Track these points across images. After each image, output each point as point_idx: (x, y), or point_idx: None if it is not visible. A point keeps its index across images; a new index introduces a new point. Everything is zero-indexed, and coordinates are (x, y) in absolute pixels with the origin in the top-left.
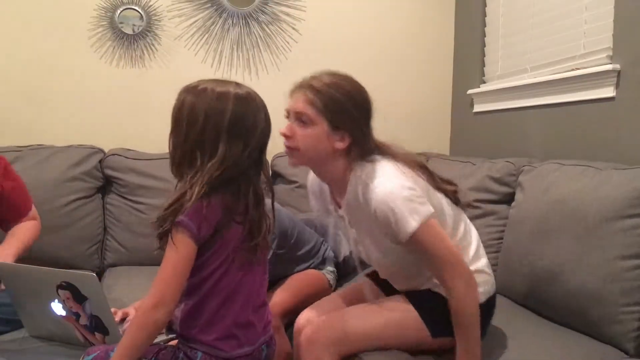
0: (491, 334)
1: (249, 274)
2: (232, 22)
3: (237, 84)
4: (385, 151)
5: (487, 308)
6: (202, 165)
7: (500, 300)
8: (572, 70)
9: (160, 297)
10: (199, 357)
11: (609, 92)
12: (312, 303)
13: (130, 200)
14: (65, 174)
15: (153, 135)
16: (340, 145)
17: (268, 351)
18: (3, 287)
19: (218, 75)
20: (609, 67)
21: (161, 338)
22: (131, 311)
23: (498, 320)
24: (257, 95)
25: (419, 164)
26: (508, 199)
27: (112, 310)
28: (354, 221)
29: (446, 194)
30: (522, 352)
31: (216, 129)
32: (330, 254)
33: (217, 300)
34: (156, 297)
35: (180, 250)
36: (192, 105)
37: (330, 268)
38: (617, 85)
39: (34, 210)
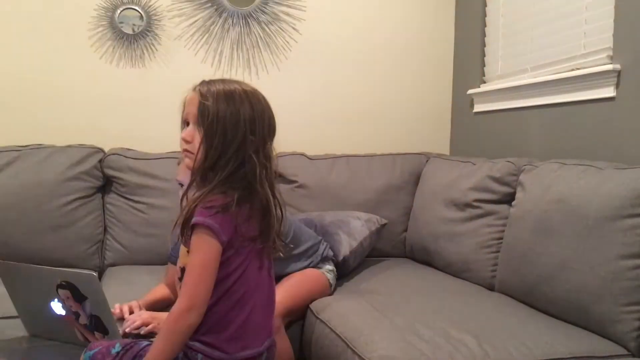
0: (493, 325)
1: (259, 277)
2: (232, 22)
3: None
4: None
5: None
6: (238, 169)
7: (501, 298)
8: (572, 70)
9: (191, 301)
10: (199, 359)
11: (609, 92)
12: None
13: (130, 199)
14: (65, 173)
15: (153, 135)
16: None
17: (268, 354)
18: None
19: (218, 75)
20: (609, 67)
21: None
22: (134, 305)
23: (501, 314)
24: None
25: None
26: (508, 199)
27: (116, 305)
28: None
29: None
30: (526, 346)
31: (260, 134)
32: (329, 253)
33: (230, 303)
34: (188, 301)
35: (206, 252)
36: (233, 112)
37: (329, 267)
38: (617, 85)
39: None
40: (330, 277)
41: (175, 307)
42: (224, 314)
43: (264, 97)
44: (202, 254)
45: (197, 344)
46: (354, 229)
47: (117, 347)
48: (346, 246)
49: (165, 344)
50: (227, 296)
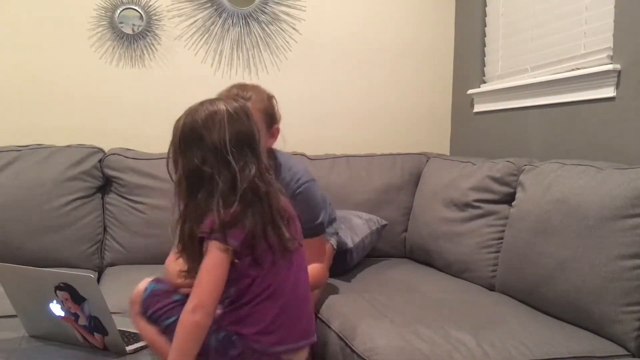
0: (492, 324)
1: (288, 273)
2: (232, 22)
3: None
4: None
5: None
6: (227, 184)
7: (501, 298)
8: (572, 70)
9: (197, 301)
10: (234, 338)
11: (609, 92)
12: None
13: (130, 200)
14: (64, 173)
15: (153, 135)
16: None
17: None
18: None
19: (218, 76)
20: (609, 67)
21: None
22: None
23: (500, 314)
24: (243, 103)
25: None
26: (508, 199)
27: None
28: None
29: None
30: (525, 346)
31: (210, 142)
32: (333, 213)
33: (258, 299)
34: (194, 300)
35: (214, 257)
36: (177, 126)
37: (331, 230)
38: (617, 85)
39: None
40: (333, 241)
41: (185, 307)
42: (254, 310)
43: (247, 108)
44: (209, 258)
45: (231, 327)
46: (356, 226)
47: (178, 297)
48: (349, 239)
49: (177, 342)
50: (253, 291)
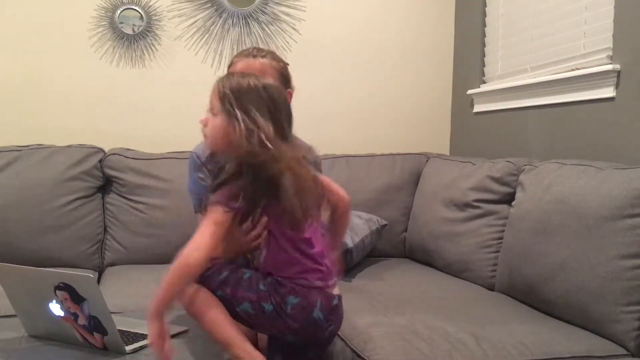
0: (492, 324)
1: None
2: (232, 22)
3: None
4: None
5: None
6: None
7: (501, 298)
8: (572, 70)
9: (194, 243)
10: (280, 280)
11: (609, 92)
12: None
13: (130, 199)
14: (65, 173)
15: (153, 135)
16: None
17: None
18: None
19: (218, 76)
20: (609, 67)
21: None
22: None
23: (500, 314)
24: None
25: None
26: (508, 199)
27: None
28: None
29: None
30: (525, 346)
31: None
32: None
33: (282, 250)
34: (191, 243)
35: (213, 214)
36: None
37: None
38: (617, 85)
39: None
40: None
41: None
42: (287, 256)
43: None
44: (211, 214)
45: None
46: (356, 226)
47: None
48: (349, 239)
49: (167, 276)
50: (276, 244)
